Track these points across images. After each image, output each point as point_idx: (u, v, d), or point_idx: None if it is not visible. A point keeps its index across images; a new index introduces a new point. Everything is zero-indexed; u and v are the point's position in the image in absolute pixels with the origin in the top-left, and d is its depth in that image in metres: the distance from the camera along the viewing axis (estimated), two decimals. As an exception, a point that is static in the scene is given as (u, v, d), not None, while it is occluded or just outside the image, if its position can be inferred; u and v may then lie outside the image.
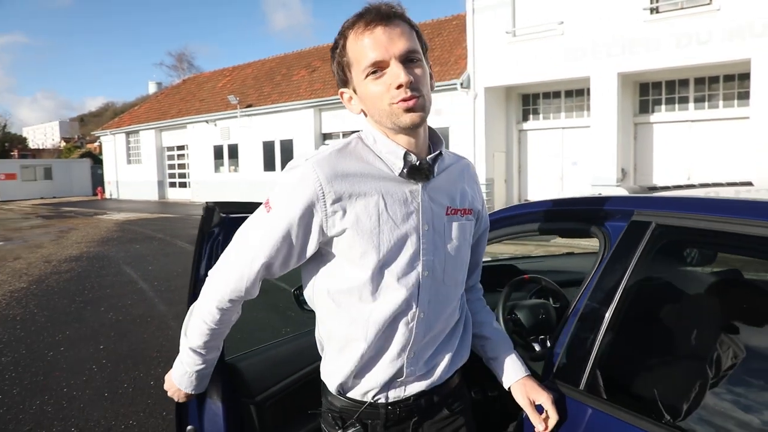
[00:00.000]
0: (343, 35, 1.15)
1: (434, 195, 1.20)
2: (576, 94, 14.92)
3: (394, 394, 1.23)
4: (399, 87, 1.08)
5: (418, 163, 1.15)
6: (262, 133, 21.49)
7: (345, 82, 1.19)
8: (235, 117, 22.00)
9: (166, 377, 1.44)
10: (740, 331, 1.23)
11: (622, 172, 13.62)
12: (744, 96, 12.03)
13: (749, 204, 1.20)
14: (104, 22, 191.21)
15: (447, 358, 1.28)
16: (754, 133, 11.39)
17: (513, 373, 1.32)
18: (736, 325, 1.26)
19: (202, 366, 1.34)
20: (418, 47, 1.13)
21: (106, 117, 60.71)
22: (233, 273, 1.19)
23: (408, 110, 1.10)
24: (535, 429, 1.24)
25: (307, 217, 1.12)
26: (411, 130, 1.14)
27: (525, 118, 16.10)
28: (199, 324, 1.27)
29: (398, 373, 1.22)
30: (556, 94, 15.36)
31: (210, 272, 1.24)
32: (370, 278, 1.14)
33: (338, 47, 1.17)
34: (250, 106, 21.63)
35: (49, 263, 9.33)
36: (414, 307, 1.18)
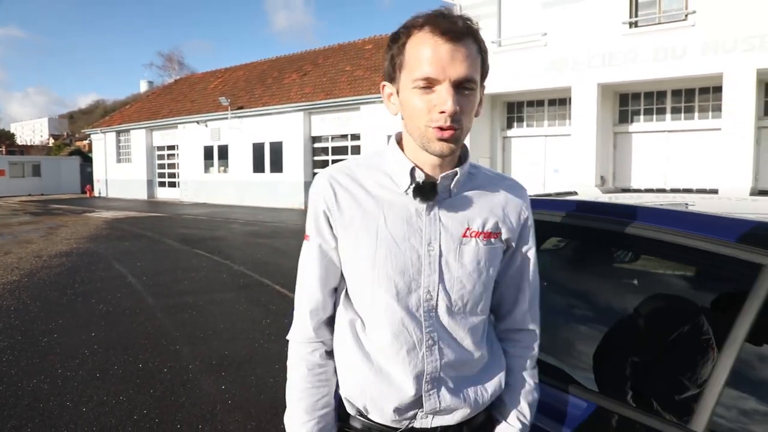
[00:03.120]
0: (407, 32, 1.07)
1: (448, 215, 1.13)
2: (559, 103, 15.36)
3: (418, 424, 1.16)
4: (441, 113, 1.03)
5: (422, 183, 1.11)
6: (252, 134, 21.77)
7: (392, 78, 1.12)
8: (226, 118, 22.25)
9: None
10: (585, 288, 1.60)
11: (601, 180, 14.06)
12: (717, 108, 12.51)
13: (603, 206, 1.56)
14: (101, 17, 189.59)
15: (474, 393, 1.18)
16: (724, 144, 11.87)
17: None
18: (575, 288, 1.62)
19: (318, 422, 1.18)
20: (477, 76, 1.06)
21: (96, 115, 60.52)
22: (301, 314, 1.20)
23: (442, 140, 1.04)
24: None
25: (327, 223, 1.15)
26: (438, 156, 1.09)
27: (510, 126, 16.50)
28: (289, 388, 1.21)
29: (416, 403, 1.14)
30: (540, 103, 15.79)
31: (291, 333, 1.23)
32: (368, 297, 1.13)
33: (398, 42, 1.09)
34: (241, 107, 21.90)
35: (40, 258, 9.55)
36: (419, 333, 1.11)
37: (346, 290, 1.17)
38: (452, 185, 1.11)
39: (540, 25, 14.13)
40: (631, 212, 1.38)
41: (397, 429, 1.15)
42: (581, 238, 1.69)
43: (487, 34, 14.96)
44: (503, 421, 1.22)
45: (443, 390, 1.13)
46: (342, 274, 1.18)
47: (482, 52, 1.07)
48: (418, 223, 1.10)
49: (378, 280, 1.09)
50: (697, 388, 1.14)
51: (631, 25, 12.93)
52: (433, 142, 1.05)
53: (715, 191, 2.05)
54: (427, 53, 1.02)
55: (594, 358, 1.47)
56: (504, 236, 1.17)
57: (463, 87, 1.03)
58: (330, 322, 1.20)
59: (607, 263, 1.85)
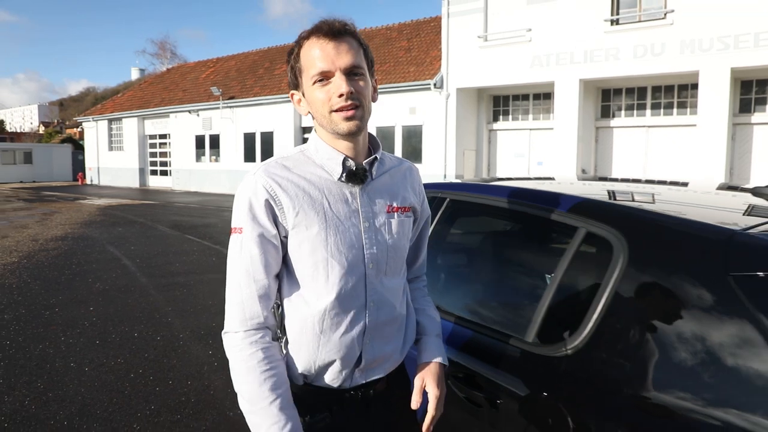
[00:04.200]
0: (298, 44, 1.26)
1: (374, 195, 1.31)
2: (543, 97, 15.74)
3: (355, 381, 1.31)
4: (340, 96, 1.19)
5: (354, 168, 1.27)
6: (243, 124, 22.05)
7: (296, 85, 1.30)
8: (218, 108, 22.51)
9: None
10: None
11: (583, 172, 14.52)
12: (695, 105, 12.95)
13: (491, 187, 2.01)
14: (93, 2, 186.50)
15: (399, 345, 1.37)
16: (699, 139, 12.32)
17: (426, 355, 1.39)
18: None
19: (284, 422, 1.19)
20: (363, 63, 1.24)
21: (87, 102, 60.17)
22: (246, 302, 1.24)
23: (347, 119, 1.20)
24: (411, 405, 1.33)
25: (268, 215, 1.23)
26: (349, 136, 1.24)
27: (495, 119, 16.88)
28: (245, 375, 1.21)
29: (358, 361, 1.29)
30: (525, 97, 16.18)
31: (225, 325, 1.27)
32: (322, 271, 1.23)
33: (293, 53, 1.28)
34: (232, 98, 22.16)
35: (36, 242, 9.91)
36: (363, 297, 1.27)
37: (288, 274, 1.28)
38: (374, 169, 1.31)
39: (525, 21, 14.51)
40: (511, 192, 1.82)
41: (339, 389, 1.30)
42: (479, 212, 2.14)
43: (473, 29, 15.34)
44: (425, 336, 1.44)
45: (378, 343, 1.31)
46: (282, 260, 1.27)
47: (363, 45, 1.27)
48: (354, 204, 1.27)
49: (331, 255, 1.22)
50: (531, 309, 1.58)
51: (612, 22, 13.33)
52: (340, 123, 1.21)
53: (685, 184, 2.25)
54: (317, 53, 1.21)
55: (470, 297, 1.95)
56: (413, 209, 1.40)
57: (353, 73, 1.22)
58: (271, 307, 1.28)
59: (492, 228, 2.33)
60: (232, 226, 1.27)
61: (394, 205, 1.33)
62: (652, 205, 1.63)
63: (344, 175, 1.26)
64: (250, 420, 1.21)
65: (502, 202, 1.81)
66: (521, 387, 1.44)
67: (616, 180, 2.36)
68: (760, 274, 1.14)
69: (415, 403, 1.31)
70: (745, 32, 11.55)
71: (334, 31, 1.21)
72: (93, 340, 4.61)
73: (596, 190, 1.95)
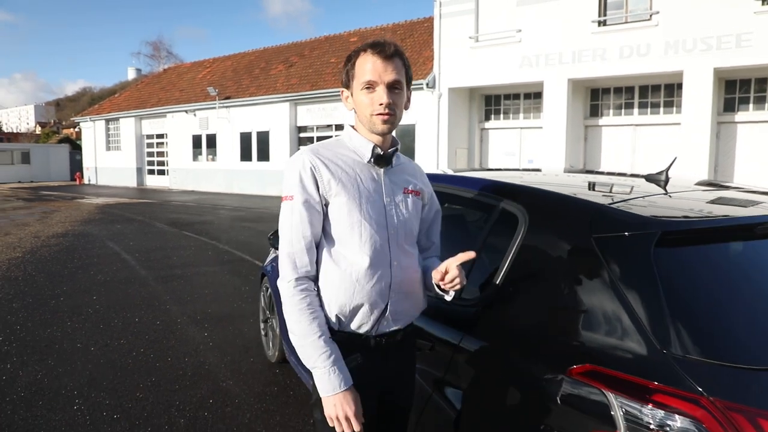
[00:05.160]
0: (357, 53, 1.56)
1: (393, 178, 1.63)
2: (534, 96, 16.05)
3: (380, 329, 1.59)
4: (380, 104, 1.52)
5: (382, 153, 1.59)
6: (239, 124, 22.35)
7: (347, 85, 1.60)
8: (214, 108, 22.81)
9: (326, 410, 1.50)
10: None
11: (570, 168, 14.86)
12: (681, 104, 13.27)
13: (453, 177, 2.34)
14: (92, 1, 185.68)
15: (414, 304, 1.66)
16: (683, 138, 12.65)
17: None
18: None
19: (330, 352, 1.48)
20: (403, 81, 1.55)
21: (84, 102, 60.19)
22: (297, 254, 1.52)
23: (383, 122, 1.53)
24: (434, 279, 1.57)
25: (314, 185, 1.52)
26: (381, 135, 1.57)
27: (487, 118, 17.19)
28: (298, 316, 1.50)
29: (384, 311, 1.57)
30: (516, 96, 16.50)
31: (279, 271, 1.55)
32: (356, 230, 1.52)
33: (351, 62, 1.58)
34: (228, 97, 22.46)
35: (39, 238, 10.21)
36: (389, 257, 1.56)
37: (327, 235, 1.56)
38: (394, 159, 1.64)
39: (515, 22, 14.82)
40: (451, 178, 2.17)
41: (365, 335, 1.57)
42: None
43: (465, 30, 15.67)
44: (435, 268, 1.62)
45: (400, 298, 1.59)
46: (318, 230, 1.54)
47: (406, 66, 1.58)
48: (379, 183, 1.60)
49: (364, 218, 1.53)
50: (467, 268, 1.92)
51: (600, 23, 13.66)
52: (377, 125, 1.55)
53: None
54: (369, 66, 1.53)
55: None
56: (422, 194, 1.71)
57: (394, 87, 1.53)
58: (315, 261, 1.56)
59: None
60: (284, 195, 1.55)
61: (409, 188, 1.66)
62: (552, 185, 1.98)
63: (373, 158, 1.58)
64: (302, 352, 1.51)
65: (445, 187, 2.16)
66: (448, 334, 1.80)
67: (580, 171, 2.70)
68: (611, 235, 1.50)
69: (439, 273, 1.52)
70: (727, 33, 11.87)
71: (386, 52, 1.53)
72: (97, 325, 4.93)
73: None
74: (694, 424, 1.18)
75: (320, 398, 1.50)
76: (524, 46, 14.70)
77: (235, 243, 9.67)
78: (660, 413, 1.21)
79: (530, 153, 16.17)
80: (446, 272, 1.51)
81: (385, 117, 1.53)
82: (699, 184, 2.23)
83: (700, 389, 1.20)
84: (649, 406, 1.23)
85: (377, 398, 1.63)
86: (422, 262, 1.71)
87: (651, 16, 12.94)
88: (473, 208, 2.17)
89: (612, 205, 1.63)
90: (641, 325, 1.32)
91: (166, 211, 15.66)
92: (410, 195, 1.65)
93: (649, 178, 2.11)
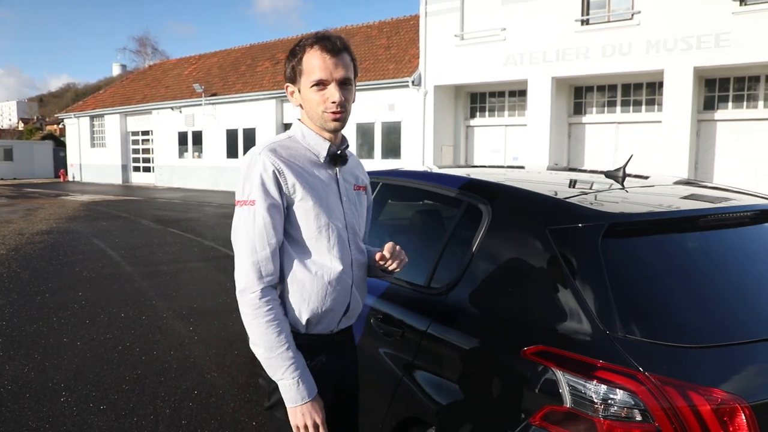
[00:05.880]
0: (303, 48, 1.51)
1: (346, 176, 1.62)
2: (519, 94, 16.20)
3: (339, 327, 1.61)
4: (333, 102, 1.49)
5: (339, 152, 1.57)
6: (225, 121, 22.31)
7: (293, 80, 1.56)
8: (200, 105, 22.73)
9: (293, 420, 1.49)
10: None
11: (555, 165, 15.05)
12: (662, 102, 13.49)
13: (416, 173, 2.45)
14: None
15: (363, 300, 1.69)
16: (664, 135, 12.88)
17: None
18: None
19: (297, 363, 1.47)
20: (352, 76, 1.54)
21: (67, 98, 59.48)
22: (262, 262, 1.47)
23: (335, 120, 1.52)
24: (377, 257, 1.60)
25: (276, 189, 1.47)
26: (333, 132, 1.56)
27: (473, 115, 17.33)
28: (264, 329, 1.45)
29: (347, 310, 1.59)
30: (501, 94, 16.65)
31: (238, 280, 1.50)
32: (324, 234, 1.51)
33: (297, 55, 1.53)
34: (214, 94, 22.40)
35: (23, 236, 10.18)
36: (350, 256, 1.57)
37: (291, 239, 1.52)
38: (347, 156, 1.64)
39: (499, 20, 14.96)
40: (423, 175, 2.29)
41: (329, 334, 1.59)
42: (401, 192, 2.60)
43: (450, 28, 15.80)
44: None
45: (358, 295, 1.63)
46: (281, 234, 1.50)
47: (353, 60, 1.56)
48: (335, 182, 1.59)
49: (332, 222, 1.53)
50: (430, 263, 2.04)
51: (583, 22, 13.82)
52: (329, 122, 1.53)
53: (646, 177, 2.56)
54: (318, 63, 1.49)
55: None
56: (367, 189, 1.75)
57: (344, 84, 1.51)
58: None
59: (408, 203, 2.78)
60: (242, 199, 1.49)
61: (358, 184, 1.68)
62: (516, 182, 2.11)
63: (329, 158, 1.57)
64: (269, 364, 1.47)
65: (417, 183, 2.30)
66: (417, 321, 1.92)
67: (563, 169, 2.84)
68: (564, 227, 1.63)
69: (380, 255, 1.58)
70: (707, 33, 12.09)
71: (335, 47, 1.50)
72: (83, 320, 4.99)
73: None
74: (632, 397, 1.30)
75: (282, 402, 1.50)
76: (509, 44, 14.84)
77: (221, 240, 9.72)
78: (603, 388, 1.34)
79: (515, 150, 16.34)
80: (390, 252, 1.56)
81: (338, 115, 1.52)
82: (677, 183, 2.35)
83: (638, 365, 1.33)
84: (593, 382, 1.35)
85: (333, 390, 1.65)
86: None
87: (633, 15, 13.14)
88: (444, 204, 2.29)
89: (567, 200, 1.76)
90: (588, 309, 1.45)
91: (151, 208, 15.63)
92: (359, 191, 1.67)
93: (608, 174, 2.24)
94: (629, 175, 2.44)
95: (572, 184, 2.24)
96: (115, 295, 5.86)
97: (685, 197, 2.06)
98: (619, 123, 14.72)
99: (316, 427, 1.48)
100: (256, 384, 3.63)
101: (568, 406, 1.37)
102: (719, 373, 1.35)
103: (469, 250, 1.86)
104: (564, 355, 1.43)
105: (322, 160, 1.56)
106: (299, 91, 1.56)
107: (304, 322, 1.53)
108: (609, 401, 1.32)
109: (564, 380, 1.39)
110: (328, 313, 1.55)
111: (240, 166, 1.56)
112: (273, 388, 1.53)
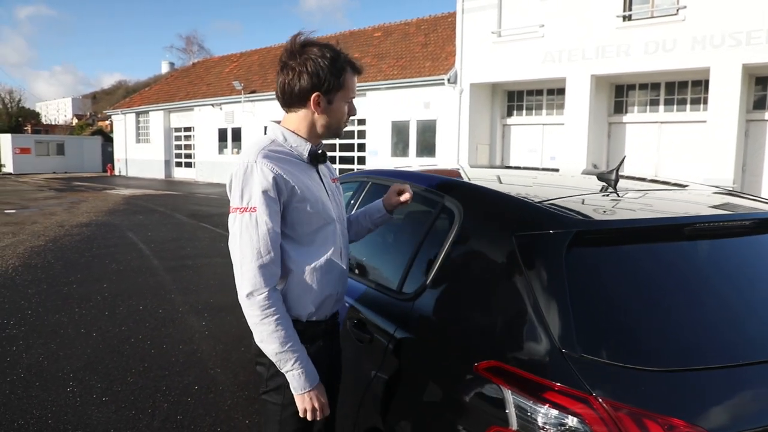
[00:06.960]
0: (344, 68, 1.65)
1: (325, 171, 1.74)
2: (557, 92, 15.79)
3: (332, 312, 1.74)
4: (352, 115, 1.73)
5: (320, 152, 1.69)
6: (264, 117, 22.60)
7: (328, 91, 1.64)
8: (240, 102, 23.14)
9: (300, 405, 1.60)
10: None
11: (594, 167, 14.61)
12: (708, 101, 12.91)
13: (402, 173, 2.38)
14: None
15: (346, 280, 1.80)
16: (709, 135, 12.31)
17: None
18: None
19: (302, 355, 1.58)
20: None
21: (118, 95, 61.53)
22: (268, 265, 1.54)
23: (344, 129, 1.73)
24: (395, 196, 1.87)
25: (276, 194, 1.54)
26: (337, 137, 1.76)
27: (509, 114, 17.01)
28: (274, 328, 1.53)
29: (338, 295, 1.72)
30: (539, 92, 16.28)
31: (242, 285, 1.55)
32: (322, 229, 1.63)
33: (341, 75, 1.64)
34: (254, 92, 22.75)
35: (62, 227, 10.59)
36: (341, 246, 1.70)
37: (290, 238, 1.61)
38: (326, 155, 1.76)
39: (538, 17, 14.61)
40: (407, 175, 2.23)
41: (325, 320, 1.71)
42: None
43: (487, 25, 15.54)
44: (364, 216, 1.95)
45: (346, 281, 1.77)
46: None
47: None
48: (321, 179, 1.71)
49: (326, 216, 1.64)
50: (401, 266, 1.97)
51: (624, 18, 13.36)
52: (342, 130, 1.72)
53: (685, 186, 2.32)
54: (352, 84, 1.69)
55: (366, 259, 2.38)
56: (337, 180, 1.84)
57: None
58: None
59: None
60: (241, 206, 1.54)
61: (333, 176, 1.81)
62: (493, 184, 2.00)
63: (309, 157, 1.68)
64: (279, 359, 1.56)
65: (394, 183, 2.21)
66: (387, 325, 1.85)
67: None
68: (530, 233, 1.52)
69: (398, 188, 1.88)
70: (757, 29, 11.48)
71: (359, 72, 1.73)
72: (103, 312, 5.13)
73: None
74: (581, 423, 1.21)
75: (285, 387, 1.61)
76: (547, 41, 14.49)
77: (250, 235, 9.82)
78: (553, 412, 1.24)
79: (553, 150, 15.95)
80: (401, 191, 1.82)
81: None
82: (716, 193, 2.14)
83: (591, 389, 1.23)
84: (543, 405, 1.26)
85: (327, 369, 1.73)
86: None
87: (678, 10, 12.60)
88: (422, 204, 2.21)
89: (539, 204, 1.64)
90: (545, 324, 1.34)
91: (188, 202, 16.01)
92: (336, 183, 1.81)
93: (601, 177, 2.11)
94: (657, 181, 2.29)
95: (555, 187, 2.12)
96: (138, 287, 6.01)
97: (687, 203, 1.92)
98: (662, 122, 14.16)
99: (322, 407, 1.61)
100: (257, 382, 3.65)
101: (514, 429, 1.28)
102: (681, 400, 1.23)
103: (438, 254, 1.78)
104: (516, 372, 1.33)
105: (305, 160, 1.67)
106: (329, 102, 1.65)
107: (306, 311, 1.65)
108: (556, 427, 1.23)
109: (512, 400, 1.30)
110: (327, 299, 1.68)
111: (233, 173, 1.57)
112: (271, 374, 1.64)
